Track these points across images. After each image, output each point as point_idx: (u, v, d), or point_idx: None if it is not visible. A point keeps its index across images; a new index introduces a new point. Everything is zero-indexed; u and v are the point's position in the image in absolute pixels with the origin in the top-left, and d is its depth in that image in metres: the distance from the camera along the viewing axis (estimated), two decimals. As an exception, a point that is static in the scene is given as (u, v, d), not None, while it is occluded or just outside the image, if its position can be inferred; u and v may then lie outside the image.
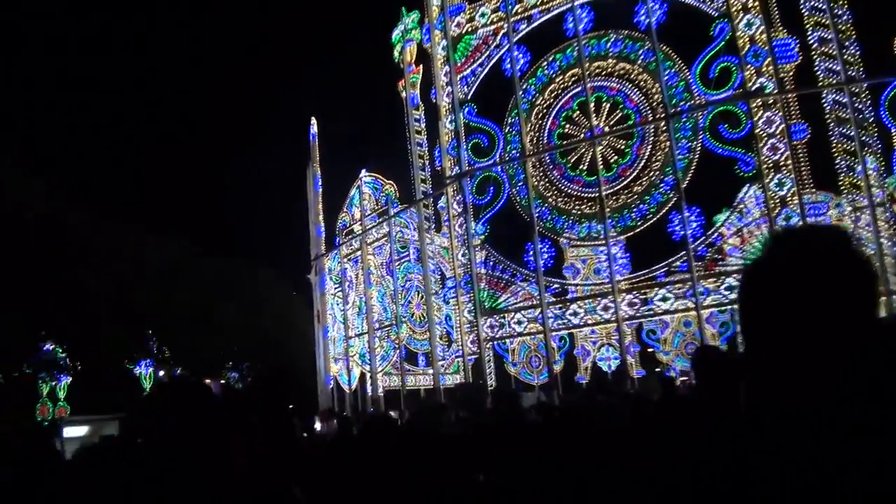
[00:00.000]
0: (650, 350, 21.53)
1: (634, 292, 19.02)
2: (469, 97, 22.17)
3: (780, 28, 17.58)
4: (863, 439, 1.12)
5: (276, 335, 43.62)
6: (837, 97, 16.96)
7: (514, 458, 5.71)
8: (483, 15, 21.86)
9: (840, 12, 17.43)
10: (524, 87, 21.40)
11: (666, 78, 18.77)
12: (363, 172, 25.56)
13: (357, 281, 25.82)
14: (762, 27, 17.32)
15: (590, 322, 20.00)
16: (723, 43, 17.77)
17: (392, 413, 20.02)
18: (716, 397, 4.45)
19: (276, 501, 2.26)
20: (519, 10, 21.24)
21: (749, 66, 17.33)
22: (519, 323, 20.89)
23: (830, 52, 17.08)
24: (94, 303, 38.47)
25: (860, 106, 17.20)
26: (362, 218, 25.39)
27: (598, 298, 19.69)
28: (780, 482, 1.15)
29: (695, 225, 18.03)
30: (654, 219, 19.10)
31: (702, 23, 18.13)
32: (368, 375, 24.72)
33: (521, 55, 21.27)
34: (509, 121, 21.66)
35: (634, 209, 19.48)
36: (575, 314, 20.01)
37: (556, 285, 20.79)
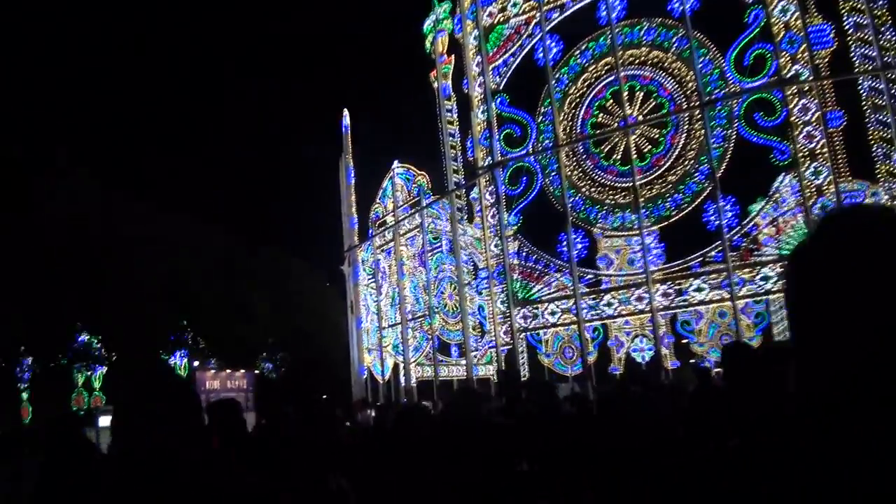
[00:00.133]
0: (685, 341, 21.65)
1: (669, 283, 19.27)
2: (501, 87, 22.50)
3: (815, 14, 17.59)
4: None
5: (309, 326, 44.50)
6: (874, 84, 16.95)
7: (549, 449, 5.89)
8: (515, 4, 22.13)
9: (876, -3, 17.44)
10: (557, 76, 21.66)
11: (700, 66, 18.94)
12: (395, 163, 26.02)
13: (390, 272, 26.33)
14: (797, 13, 17.39)
15: (624, 312, 20.29)
16: (757, 30, 17.89)
17: (425, 403, 20.55)
18: (744, 394, 4.51)
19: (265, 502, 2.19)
20: (551, -1, 21.51)
21: (784, 52, 17.44)
22: (552, 313, 21.25)
23: (866, 37, 17.07)
24: (130, 294, 39.60)
25: (897, 92, 17.22)
26: (395, 209, 25.86)
27: (632, 289, 19.97)
28: (836, 473, 1.13)
29: (730, 215, 18.22)
30: (689, 208, 19.28)
31: (736, 9, 18.25)
32: (402, 366, 25.22)
33: (553, 44, 21.53)
34: (542, 110, 21.96)
35: (669, 199, 19.66)
36: (609, 305, 20.33)
37: (589, 276, 21.05)
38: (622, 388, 11.00)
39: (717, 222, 18.24)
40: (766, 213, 17.84)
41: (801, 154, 16.96)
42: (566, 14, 21.38)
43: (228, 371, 29.43)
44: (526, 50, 21.99)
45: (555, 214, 21.40)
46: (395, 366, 26.06)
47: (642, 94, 20.20)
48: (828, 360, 1.20)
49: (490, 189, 22.35)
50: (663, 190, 19.79)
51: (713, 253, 18.40)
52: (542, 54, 21.57)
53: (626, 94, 20.21)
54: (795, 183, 17.26)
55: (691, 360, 21.73)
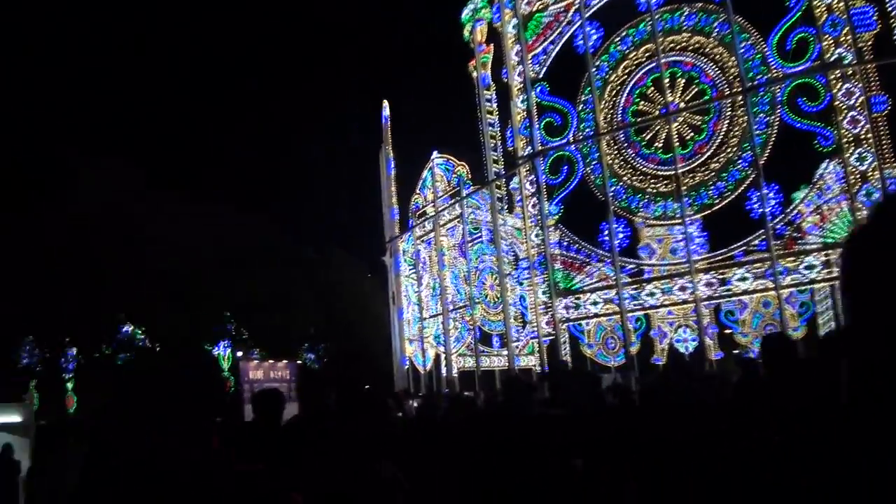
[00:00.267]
0: (728, 332, 21.66)
1: (712, 272, 19.42)
2: (541, 76, 22.77)
3: (858, -5, 17.56)
4: None
5: (351, 317, 45.40)
6: (919, 67, 16.91)
7: (593, 440, 5.96)
8: (553, -9, 22.38)
9: (921, -24, 17.29)
10: (597, 63, 21.86)
11: (742, 51, 19.00)
12: (435, 154, 26.51)
13: (431, 262, 26.85)
14: (840, -5, 17.37)
15: (666, 303, 20.48)
16: (799, 13, 17.88)
17: (467, 393, 21.03)
18: (783, 385, 4.65)
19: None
20: (590, -15, 21.68)
21: (827, 36, 17.41)
22: (594, 304, 21.55)
23: (911, 19, 17.00)
24: (173, 285, 40.83)
25: (944, 75, 17.11)
26: (435, 199, 26.36)
27: (675, 279, 20.15)
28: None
29: (773, 202, 18.30)
30: (732, 196, 19.33)
31: (778, -7, 18.29)
32: (443, 356, 25.75)
33: (593, 31, 21.75)
34: (582, 98, 22.19)
35: (711, 187, 19.75)
36: (651, 295, 20.54)
37: (631, 265, 21.20)
38: (665, 378, 11.20)
39: (761, 210, 18.35)
40: (810, 200, 17.87)
41: (845, 140, 16.97)
42: (605, 0, 21.55)
43: (271, 361, 30.23)
44: (565, 38, 22.23)
45: (596, 204, 21.68)
46: (437, 356, 26.61)
47: (684, 80, 20.29)
48: (885, 345, 1.17)
49: (530, 178, 22.66)
50: (706, 178, 19.88)
51: (756, 241, 18.52)
52: (581, 42, 21.81)
53: (667, 80, 20.36)
54: (839, 169, 17.28)
55: (735, 351, 21.80)
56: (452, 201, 25.61)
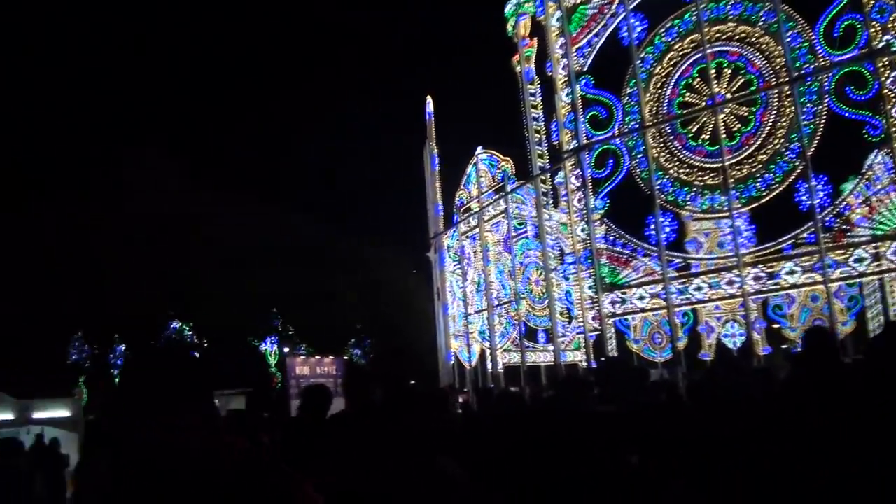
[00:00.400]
0: (776, 326, 21.69)
1: (760, 266, 19.50)
2: (585, 68, 23.01)
3: (906, -20, 17.49)
4: None
5: (396, 313, 46.24)
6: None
7: (644, 437, 5.98)
8: (597, -17, 22.63)
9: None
10: (642, 55, 22.06)
11: (788, 39, 19.04)
12: (479, 149, 26.92)
13: (475, 258, 27.28)
14: (887, -20, 17.32)
15: (714, 297, 20.60)
16: (846, 0, 17.91)
17: (513, 389, 21.42)
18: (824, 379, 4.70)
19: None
20: (635, -23, 21.89)
21: (874, 22, 17.39)
22: (641, 298, 21.76)
23: (961, 4, 16.89)
24: (221, 281, 42.08)
25: None
26: (479, 195, 26.78)
27: (723, 273, 20.26)
28: None
29: (822, 194, 18.32)
30: (780, 188, 19.41)
31: (824, -21, 18.31)
32: (488, 352, 26.17)
33: (637, 23, 21.96)
34: (627, 91, 22.40)
35: (759, 179, 19.84)
36: (698, 289, 20.68)
37: (678, 260, 21.39)
38: (712, 373, 11.33)
39: (809, 202, 18.38)
40: (859, 191, 17.86)
41: (894, 129, 16.94)
42: (650, -9, 21.76)
43: (317, 357, 31.03)
44: (610, 30, 22.45)
45: (642, 197, 21.90)
46: (482, 352, 27.03)
47: (730, 71, 20.40)
48: None
49: (576, 173, 22.94)
50: (753, 170, 19.97)
51: (805, 234, 18.55)
52: (626, 33, 22.03)
53: (713, 71, 20.49)
54: (889, 159, 17.26)
55: (783, 346, 21.82)
56: (497, 196, 25.99)
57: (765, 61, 19.77)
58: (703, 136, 21.06)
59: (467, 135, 30.22)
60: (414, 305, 41.05)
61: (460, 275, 28.38)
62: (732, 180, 20.10)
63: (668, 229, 21.25)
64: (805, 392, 5.14)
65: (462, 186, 28.24)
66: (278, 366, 36.73)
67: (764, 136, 19.83)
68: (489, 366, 26.14)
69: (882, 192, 17.36)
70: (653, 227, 21.27)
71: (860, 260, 17.57)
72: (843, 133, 18.13)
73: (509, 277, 25.47)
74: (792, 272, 18.77)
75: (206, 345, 37.41)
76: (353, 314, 45.10)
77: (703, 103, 20.94)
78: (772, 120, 19.69)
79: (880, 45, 17.25)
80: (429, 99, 30.11)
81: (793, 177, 19.15)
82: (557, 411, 5.67)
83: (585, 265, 22.69)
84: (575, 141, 22.88)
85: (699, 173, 21.23)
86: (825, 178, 18.38)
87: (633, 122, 22.14)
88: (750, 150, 20.06)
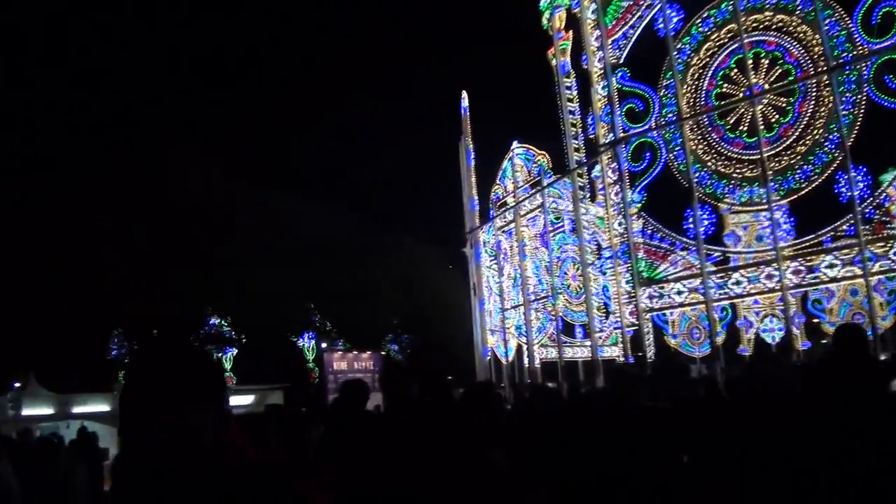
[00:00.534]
0: (815, 321, 21.64)
1: (799, 259, 19.55)
2: (621, 61, 23.22)
3: (946, -35, 17.42)
4: None
5: (432, 309, 46.81)
6: None
7: (684, 435, 5.97)
8: (632, -25, 22.79)
9: None
10: (678, 46, 22.19)
11: (826, 28, 19.05)
12: (515, 143, 27.24)
13: (512, 253, 27.60)
14: (926, -35, 17.28)
15: (753, 291, 20.68)
16: (884, -14, 17.89)
17: (550, 384, 21.71)
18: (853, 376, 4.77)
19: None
20: (670, -33, 22.01)
21: (914, 8, 17.37)
22: (679, 293, 21.92)
23: None
24: (259, 277, 42.97)
25: None
26: (515, 190, 27.10)
27: (762, 266, 20.34)
28: None
29: (861, 185, 18.33)
30: (819, 180, 19.44)
31: (862, -34, 18.28)
32: (525, 347, 26.49)
33: (673, 13, 22.08)
34: (664, 83, 22.55)
35: (798, 171, 19.89)
36: (737, 283, 20.78)
37: (716, 253, 21.51)
38: (751, 369, 11.39)
39: (849, 194, 18.38)
40: (900, 182, 17.88)
41: (934, 118, 16.95)
42: (686, -19, 21.87)
43: (355, 352, 31.69)
44: (645, 21, 22.61)
45: (680, 190, 22.03)
46: (519, 347, 27.36)
47: (767, 61, 20.45)
48: None
49: (612, 166, 23.18)
50: (792, 161, 20.01)
51: (845, 226, 18.60)
52: (662, 25, 22.17)
53: (750, 61, 20.56)
54: (930, 149, 17.26)
55: (823, 341, 21.78)
56: (533, 191, 26.25)
57: (802, 50, 19.80)
58: (741, 128, 21.15)
59: (503, 129, 30.48)
60: (450, 301, 41.56)
61: (496, 270, 28.71)
62: (771, 172, 20.17)
63: (706, 223, 21.36)
64: (828, 388, 5.23)
65: (498, 181, 28.57)
66: (316, 361, 37.47)
67: (802, 126, 19.87)
68: (526, 361, 26.46)
69: (923, 183, 17.36)
70: (691, 220, 21.41)
71: (901, 252, 17.56)
72: (882, 123, 18.09)
73: (546, 272, 25.74)
74: (831, 266, 18.80)
75: (244, 340, 38.33)
76: (390, 310, 45.83)
77: (741, 94, 21.02)
78: (810, 110, 19.72)
79: (919, 33, 17.25)
80: (464, 94, 30.49)
81: (832, 168, 19.18)
82: (608, 407, 5.72)
83: (623, 259, 22.92)
84: (611, 134, 23.10)
85: (737, 165, 21.32)
86: (865, 169, 18.39)
87: (670, 115, 22.29)
88: (788, 142, 20.11)
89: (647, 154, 22.52)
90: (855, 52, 18.64)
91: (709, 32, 21.73)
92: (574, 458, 4.59)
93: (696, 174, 21.65)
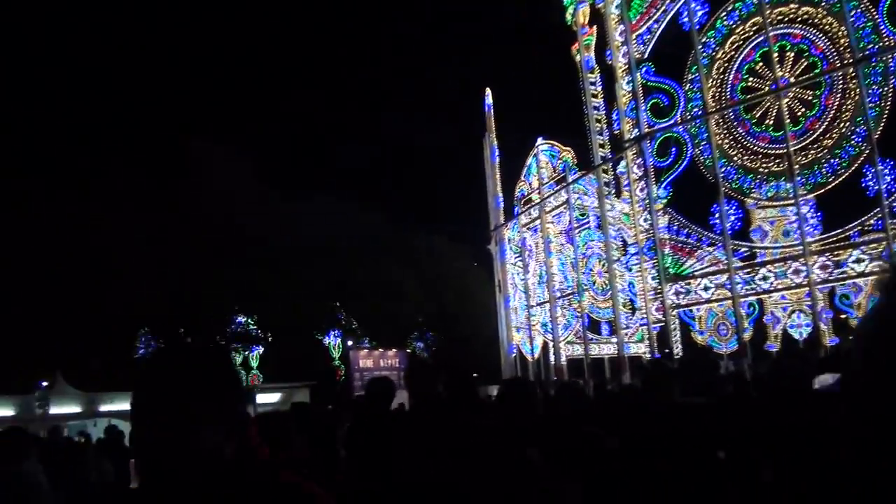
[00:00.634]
0: (843, 316, 21.59)
1: (827, 254, 19.61)
2: (646, 55, 23.35)
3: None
4: None
5: (457, 306, 47.17)
6: None
7: (721, 431, 5.84)
8: (656, -31, 22.91)
9: None
10: (703, 40, 22.29)
11: (852, 20, 19.08)
12: (540, 140, 27.46)
13: (537, 250, 27.84)
14: (955, -44, 17.29)
15: (780, 287, 20.73)
16: (911, -24, 17.89)
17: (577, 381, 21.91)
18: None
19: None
20: (694, -40, 22.11)
21: (940, 0, 17.37)
22: (705, 289, 22.03)
23: None
24: (284, 275, 43.53)
25: None
26: (540, 186, 27.31)
27: (789, 262, 20.40)
28: None
29: (889, 178, 18.34)
30: (846, 174, 19.49)
31: (887, -44, 18.29)
32: (551, 344, 26.72)
33: (698, 7, 22.18)
34: (689, 77, 22.65)
35: (825, 164, 19.95)
36: (764, 279, 20.85)
37: (743, 249, 21.59)
38: (778, 365, 11.38)
39: (876, 187, 18.41)
40: (928, 175, 17.88)
41: (962, 110, 16.95)
42: (711, -25, 21.95)
43: (381, 350, 32.09)
44: (670, 15, 22.72)
45: (706, 185, 22.13)
46: (545, 344, 27.59)
47: (793, 53, 20.51)
48: None
49: (638, 162, 23.31)
50: (819, 155, 20.08)
51: (872, 221, 18.59)
52: (686, 19, 22.28)
53: (776, 54, 20.62)
54: (957, 142, 17.26)
55: (850, 337, 21.75)
56: (558, 187, 26.45)
57: (828, 43, 19.84)
58: (767, 122, 21.23)
59: (527, 126, 30.72)
60: (475, 298, 41.89)
61: (522, 267, 28.96)
62: (798, 166, 20.23)
63: (732, 218, 21.45)
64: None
65: (523, 178, 28.80)
66: (342, 359, 37.92)
67: (829, 120, 19.93)
68: (552, 358, 26.68)
69: (950, 175, 17.35)
70: (717, 215, 21.47)
71: (930, 245, 17.58)
72: (909, 115, 18.12)
73: (571, 269, 25.93)
74: (859, 260, 18.83)
75: (270, 339, 38.89)
76: (416, 308, 46.23)
77: (767, 88, 21.09)
78: (837, 103, 19.77)
79: (946, 24, 17.26)
80: (487, 91, 30.77)
81: (859, 161, 19.22)
82: (645, 403, 5.72)
83: (649, 255, 23.05)
84: (636, 129, 23.24)
85: (764, 160, 21.40)
86: (892, 163, 18.38)
87: (695, 109, 22.38)
88: (815, 135, 20.18)
89: (673, 149, 22.62)
90: (881, 44, 18.67)
91: (734, 26, 21.81)
92: (612, 455, 4.58)
93: (723, 169, 21.75)
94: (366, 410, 5.92)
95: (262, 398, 32.68)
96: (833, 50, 19.79)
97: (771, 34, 20.63)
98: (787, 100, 20.63)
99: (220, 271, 42.24)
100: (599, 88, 25.97)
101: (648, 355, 23.10)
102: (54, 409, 29.49)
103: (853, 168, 19.34)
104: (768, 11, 20.75)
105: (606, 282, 25.12)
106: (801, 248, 20.01)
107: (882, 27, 18.60)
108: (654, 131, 22.97)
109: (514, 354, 29.28)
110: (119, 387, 30.11)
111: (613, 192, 25.70)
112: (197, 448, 1.67)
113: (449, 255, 50.71)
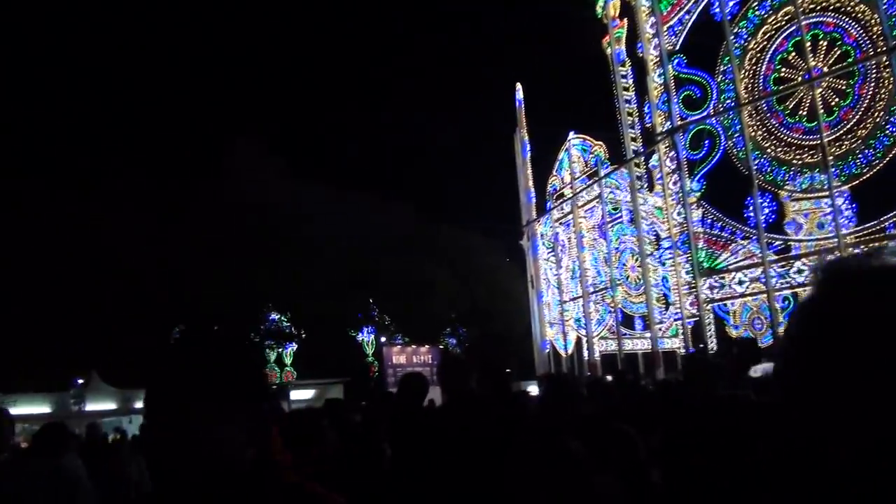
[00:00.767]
0: (879, 308, 21.45)
1: (862, 246, 19.53)
2: (677, 47, 23.45)
3: None
4: None
5: (489, 302, 47.45)
6: None
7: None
8: (687, -41, 22.98)
9: None
10: (735, 31, 22.31)
11: (885, 6, 18.96)
12: (571, 134, 27.68)
13: (569, 245, 28.06)
14: None
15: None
16: (945, -39, 17.81)
17: (608, 377, 22.09)
18: None
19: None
20: (725, -50, 22.15)
21: (974, -14, 17.28)
22: (740, 283, 22.08)
23: None
24: (317, 272, 44.12)
25: None
26: (572, 181, 27.54)
27: (824, 254, 20.30)
28: None
29: (925, 168, 18.31)
30: (881, 164, 19.41)
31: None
32: (584, 340, 26.93)
33: (730, -3, 22.21)
34: (721, 69, 22.68)
35: (859, 155, 19.87)
36: (799, 272, 20.84)
37: (778, 242, 21.58)
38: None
39: (912, 178, 18.39)
40: (964, 164, 17.80)
41: None
42: (742, -36, 21.98)
43: (413, 346, 32.51)
44: (701, 6, 22.80)
45: (740, 178, 22.13)
46: (578, 339, 27.81)
47: (826, 42, 20.45)
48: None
49: (671, 155, 23.42)
50: (853, 146, 20.01)
51: (908, 212, 18.57)
52: (718, 9, 22.33)
53: (808, 44, 20.59)
54: None
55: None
56: (591, 182, 26.64)
57: (861, 31, 19.75)
58: (800, 113, 21.20)
59: (558, 120, 30.96)
60: (508, 294, 42.13)
61: (554, 262, 29.19)
62: (832, 157, 20.18)
63: (766, 210, 21.46)
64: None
65: (555, 172, 29.04)
66: (375, 355, 38.44)
67: (863, 109, 19.84)
68: (585, 354, 26.88)
69: None
70: (751, 208, 21.50)
71: (966, 237, 17.51)
72: (945, 103, 18.03)
73: (604, 263, 26.12)
74: (895, 253, 18.72)
75: (303, 335, 39.54)
76: (448, 303, 46.62)
77: (800, 78, 21.07)
78: (871, 92, 19.69)
79: (979, 11, 17.17)
80: (518, 86, 31.02)
81: (894, 152, 19.15)
82: (697, 398, 5.57)
83: (682, 250, 23.16)
84: (669, 122, 23.34)
85: (797, 151, 21.36)
86: (928, 152, 18.34)
87: (728, 101, 22.41)
88: (849, 125, 20.10)
89: (706, 142, 22.69)
90: (915, 31, 18.59)
91: (766, 15, 21.80)
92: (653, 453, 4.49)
93: (756, 161, 21.75)
94: (400, 407, 6.07)
95: (295, 395, 33.31)
96: (866, 38, 19.71)
97: (803, 23, 20.62)
98: (820, 90, 20.59)
99: (254, 268, 42.96)
100: (631, 81, 26.10)
101: (682, 350, 23.20)
102: (90, 406, 30.33)
103: (888, 158, 19.26)
104: (800, 0, 20.72)
105: (640, 276, 25.26)
106: (835, 240, 19.99)
107: (916, 13, 18.54)
108: (687, 124, 23.05)
109: (547, 350, 29.51)
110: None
111: (646, 185, 25.81)
112: (205, 449, 1.60)
113: (481, 250, 50.99)
